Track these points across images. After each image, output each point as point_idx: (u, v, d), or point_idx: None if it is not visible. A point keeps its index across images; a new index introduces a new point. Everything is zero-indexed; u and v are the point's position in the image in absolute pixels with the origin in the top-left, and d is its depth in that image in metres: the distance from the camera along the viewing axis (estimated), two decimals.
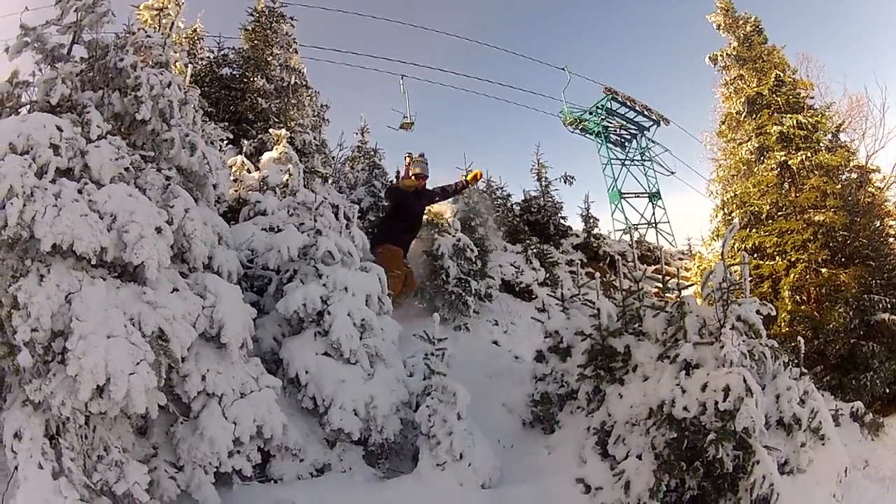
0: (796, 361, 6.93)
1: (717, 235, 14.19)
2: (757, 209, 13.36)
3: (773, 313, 6.40)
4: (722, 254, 6.26)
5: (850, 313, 11.44)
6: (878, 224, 13.72)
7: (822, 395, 10.78)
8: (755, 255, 12.95)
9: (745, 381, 5.34)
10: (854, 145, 16.47)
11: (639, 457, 5.69)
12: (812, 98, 15.42)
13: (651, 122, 32.71)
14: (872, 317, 11.56)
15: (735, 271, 6.20)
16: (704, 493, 5.53)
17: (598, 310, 6.83)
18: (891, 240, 14.25)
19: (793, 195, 13.29)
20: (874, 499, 7.33)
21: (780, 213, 13.28)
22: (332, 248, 6.98)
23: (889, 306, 11.78)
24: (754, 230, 13.27)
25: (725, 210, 14.02)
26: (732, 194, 14.04)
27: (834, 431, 6.46)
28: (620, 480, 5.66)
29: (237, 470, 5.40)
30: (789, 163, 13.39)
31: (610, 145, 32.82)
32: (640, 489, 5.51)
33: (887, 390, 11.32)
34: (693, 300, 6.31)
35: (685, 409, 5.49)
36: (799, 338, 7.55)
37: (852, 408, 10.13)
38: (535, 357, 7.79)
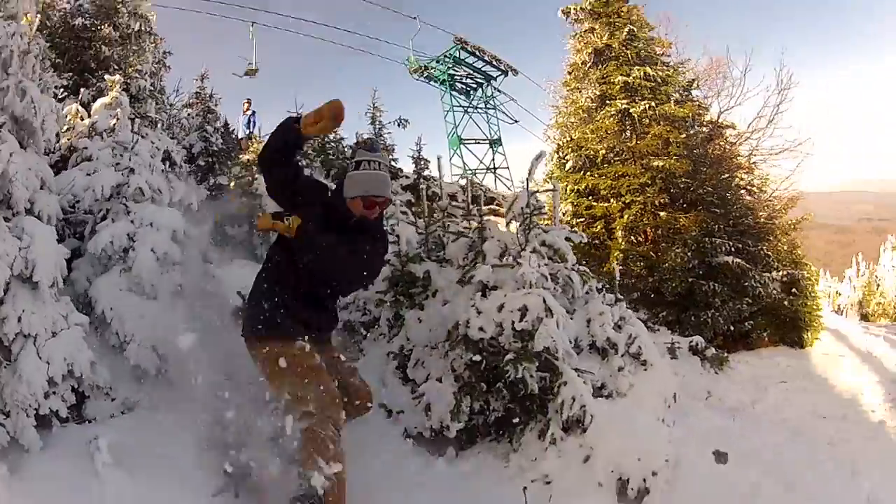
0: (610, 288, 7.01)
1: (550, 178, 14.49)
2: (593, 153, 13.76)
3: (584, 240, 6.50)
4: (526, 180, 6.26)
5: (689, 254, 11.92)
6: (726, 175, 14.20)
7: (658, 330, 11.23)
8: (590, 197, 13.31)
9: (544, 301, 5.35)
10: (708, 102, 17.08)
11: (439, 379, 5.65)
12: (669, 56, 15.94)
13: (499, 73, 33.73)
14: (714, 259, 12.07)
15: (547, 200, 6.23)
16: (511, 414, 5.54)
17: (398, 237, 6.78)
18: (742, 191, 14.96)
19: (633, 142, 13.64)
20: (720, 427, 7.52)
21: (617, 158, 13.75)
22: (143, 184, 6.71)
23: (732, 250, 12.33)
24: (588, 173, 13.74)
25: (560, 154, 14.44)
26: (569, 139, 14.34)
27: (658, 358, 6.63)
28: (421, 404, 5.62)
29: (54, 411, 5.12)
30: (631, 111, 13.80)
31: (454, 93, 33.63)
32: (442, 412, 5.47)
33: (731, 328, 11.91)
34: (495, 226, 6.32)
35: (481, 329, 5.46)
36: (615, 265, 7.76)
37: (691, 342, 10.53)
38: None
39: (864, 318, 49.56)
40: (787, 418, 8.83)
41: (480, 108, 34.42)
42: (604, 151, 13.84)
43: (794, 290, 13.78)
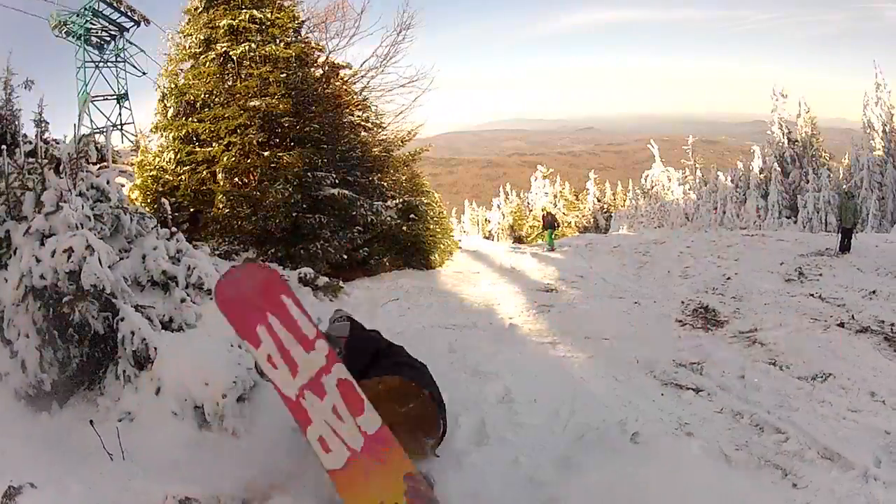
0: (164, 222, 7.02)
1: (156, 129, 14.43)
2: (193, 98, 13.59)
3: (134, 181, 6.46)
4: (75, 125, 6.16)
5: (291, 189, 12.10)
6: (334, 113, 14.64)
7: (273, 265, 11.48)
8: (193, 143, 13.22)
9: (87, 241, 5.30)
10: (326, 43, 17.28)
11: (27, 335, 5.42)
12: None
13: (132, 23, 32.53)
14: (320, 192, 12.38)
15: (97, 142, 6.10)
16: (90, 360, 5.53)
17: None
18: (358, 128, 15.54)
19: (233, 84, 13.63)
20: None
21: (217, 102, 13.60)
22: None
23: (338, 182, 12.82)
24: (190, 119, 13.49)
25: (165, 102, 14.06)
26: (174, 86, 14.07)
27: None
28: (17, 362, 5.40)
29: None
30: (231, 54, 13.64)
31: (89, 48, 31.96)
32: (33, 367, 5.32)
33: (345, 257, 12.36)
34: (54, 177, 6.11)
35: (42, 277, 5.33)
36: (163, 200, 7.76)
37: (300, 274, 10.76)
38: None
39: (519, 240, 53.99)
40: (402, 332, 9.12)
41: (111, 62, 33.09)
42: (204, 96, 13.69)
43: (412, 215, 14.57)
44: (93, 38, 32.35)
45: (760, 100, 79.46)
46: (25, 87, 14.63)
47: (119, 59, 33.01)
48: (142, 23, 32.33)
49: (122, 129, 31.69)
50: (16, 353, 5.45)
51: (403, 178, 16.52)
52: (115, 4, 31.49)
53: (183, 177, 13.37)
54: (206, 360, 5.62)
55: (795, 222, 43.74)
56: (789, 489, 4.86)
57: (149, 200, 12.99)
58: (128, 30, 32.82)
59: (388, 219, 13.77)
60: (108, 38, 32.95)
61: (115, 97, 32.66)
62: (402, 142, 17.00)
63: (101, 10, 31.54)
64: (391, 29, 17.57)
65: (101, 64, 32.78)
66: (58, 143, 6.47)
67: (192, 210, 13.25)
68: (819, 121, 49.92)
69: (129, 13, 32.01)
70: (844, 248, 16.44)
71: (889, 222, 39.01)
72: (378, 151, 16.02)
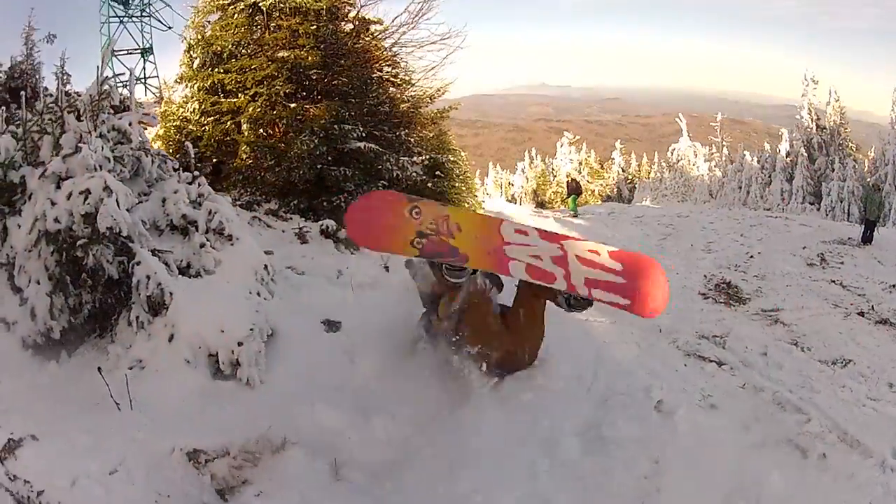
0: (188, 166, 6.89)
1: (180, 80, 14.26)
2: (220, 49, 13.40)
3: (157, 124, 6.36)
4: (98, 67, 6.00)
5: (317, 141, 11.94)
6: (363, 68, 14.44)
7: (291, 218, 11.41)
8: (218, 94, 13.08)
9: (105, 182, 5.16)
10: None
11: (38, 282, 5.31)
12: None
13: None
14: (346, 145, 12.23)
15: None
16: (103, 306, 5.41)
17: None
18: (386, 83, 15.35)
19: (262, 35, 13.45)
20: (340, 300, 7.79)
21: (245, 53, 13.46)
22: None
23: (364, 136, 12.67)
24: (216, 69, 13.32)
25: (191, 53, 13.88)
26: (200, 37, 13.90)
27: (245, 232, 6.65)
28: (27, 309, 5.26)
29: None
30: (260, 4, 13.40)
31: (113, 2, 31.84)
32: (43, 314, 5.18)
33: None
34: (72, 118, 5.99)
35: (56, 220, 5.16)
36: (187, 143, 7.66)
37: (322, 226, 10.66)
38: None
39: (541, 205, 53.94)
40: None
41: (136, 17, 32.76)
42: (231, 47, 13.48)
43: (438, 172, 14.44)
44: None
45: (791, 84, 78.61)
46: (47, 42, 14.55)
47: (144, 13, 32.72)
48: None
49: (145, 83, 31.51)
50: (25, 301, 5.31)
51: (430, 135, 16.36)
52: None
53: (207, 127, 13.18)
54: (222, 307, 5.51)
55: (818, 209, 43.41)
56: (810, 471, 4.79)
57: (171, 150, 12.79)
58: None
59: (414, 174, 13.61)
60: None
61: (139, 51, 32.53)
62: (430, 99, 16.75)
63: None
64: None
65: (125, 19, 32.56)
66: (79, 95, 6.33)
67: (214, 160, 13.14)
68: (847, 112, 49.51)
69: None
70: (867, 239, 16.29)
71: None
72: (406, 107, 15.80)
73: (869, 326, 8.87)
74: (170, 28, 31.68)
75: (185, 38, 14.60)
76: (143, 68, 32.09)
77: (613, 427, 5.00)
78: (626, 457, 4.63)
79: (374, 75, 15.00)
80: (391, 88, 15.68)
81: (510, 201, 53.85)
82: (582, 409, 5.40)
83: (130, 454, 3.98)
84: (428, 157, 14.65)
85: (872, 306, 9.79)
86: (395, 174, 12.96)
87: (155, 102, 18.91)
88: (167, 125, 13.59)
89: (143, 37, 32.49)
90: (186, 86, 14.00)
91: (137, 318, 5.26)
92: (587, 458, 4.66)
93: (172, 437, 4.22)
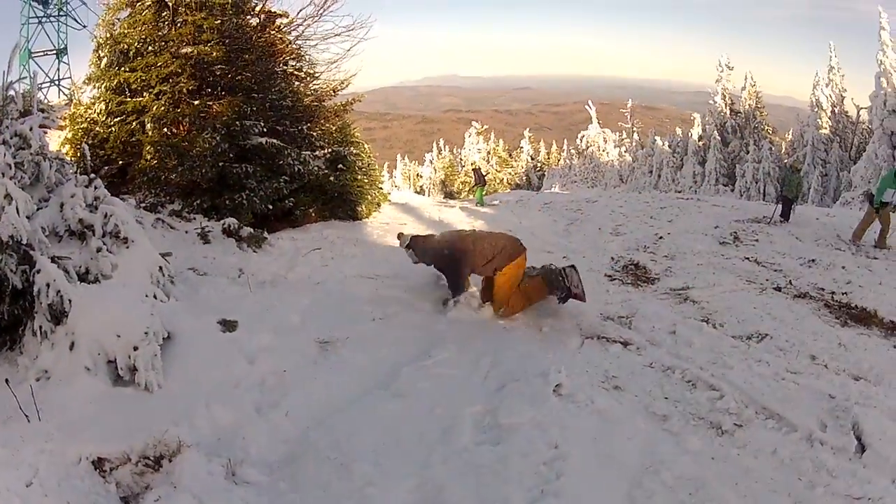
0: (84, 169, 6.77)
1: (89, 80, 13.79)
2: (127, 46, 13.02)
3: (57, 126, 6.23)
4: (3, 73, 5.82)
5: (219, 138, 11.79)
6: (267, 62, 14.26)
7: (195, 218, 11.24)
8: (124, 93, 12.77)
9: (6, 189, 5.06)
10: None
11: None
12: None
13: None
14: (248, 141, 12.08)
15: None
16: (13, 318, 5.28)
17: None
18: (291, 77, 15.19)
19: (167, 31, 13.14)
20: (236, 298, 7.88)
21: (150, 50, 13.08)
22: None
23: (265, 131, 12.54)
24: (122, 68, 12.95)
25: (100, 52, 13.46)
26: (108, 35, 13.48)
27: (141, 234, 6.62)
28: None
29: None
30: (166, 0, 13.14)
31: (34, 3, 30.72)
32: None
33: (270, 207, 12.12)
34: None
35: None
36: (84, 145, 7.52)
37: (224, 224, 10.61)
38: None
39: (449, 195, 54.29)
40: (323, 281, 9.40)
41: (54, 17, 32.22)
42: (138, 44, 13.10)
43: (340, 165, 14.33)
44: None
45: (706, 70, 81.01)
46: None
47: (62, 12, 32.21)
48: None
49: (59, 84, 30.72)
50: None
51: (334, 128, 16.19)
52: None
53: (113, 128, 12.88)
54: (119, 311, 5.47)
55: (732, 190, 44.95)
56: (727, 448, 4.84)
57: (79, 154, 12.31)
58: None
59: (316, 168, 13.49)
60: None
61: (54, 52, 31.78)
62: (334, 91, 16.65)
63: None
64: None
65: (44, 19, 31.96)
66: None
67: (121, 162, 12.78)
68: (766, 97, 51.59)
69: None
70: (785, 215, 16.61)
71: (831, 199, 40.32)
72: (309, 101, 15.70)
73: (787, 301, 8.94)
74: (84, 27, 31.33)
75: (96, 37, 14.21)
76: (59, 69, 31.39)
77: (510, 413, 5.12)
78: (523, 443, 4.72)
79: (279, 69, 14.90)
80: (295, 82, 15.58)
81: (418, 193, 54.07)
82: (479, 396, 5.53)
83: (42, 465, 3.98)
84: (330, 150, 14.54)
85: (790, 281, 9.97)
86: (296, 169, 12.85)
87: (65, 105, 18.35)
88: (75, 128, 13.24)
89: (59, 37, 32.14)
90: (94, 86, 13.64)
91: (41, 327, 5.17)
92: (482, 446, 4.76)
93: (78, 447, 4.23)
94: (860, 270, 11.02)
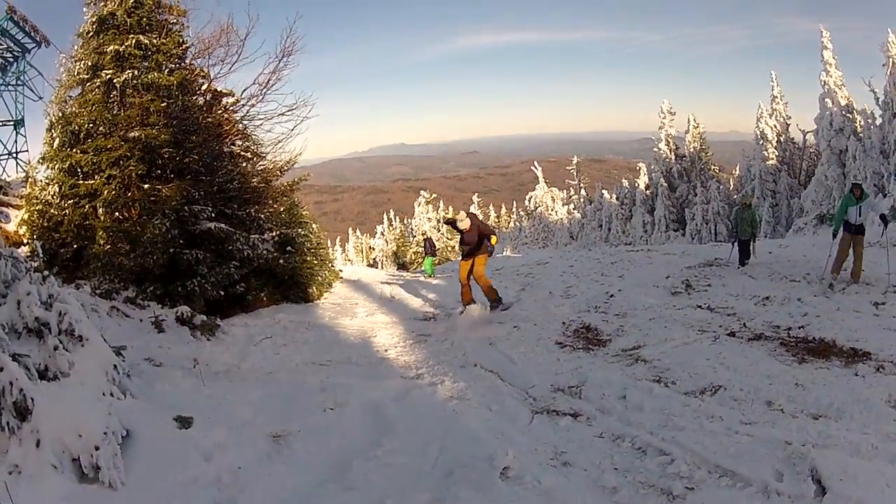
0: (38, 267, 6.95)
1: (43, 160, 13.97)
2: (77, 128, 13.23)
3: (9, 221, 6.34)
4: None
5: (168, 224, 11.99)
6: (214, 143, 14.49)
7: (148, 305, 11.30)
8: (77, 176, 12.90)
9: None
10: (211, 70, 16.84)
11: None
12: (178, 24, 15.31)
13: (34, 44, 31.61)
14: (197, 226, 12.26)
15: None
16: None
17: None
18: (238, 158, 15.37)
19: (116, 113, 13.38)
20: (191, 392, 7.86)
21: (100, 132, 13.30)
22: None
23: (213, 216, 12.72)
24: (74, 150, 13.14)
25: (53, 132, 13.67)
26: (61, 114, 13.69)
27: (94, 331, 6.73)
28: None
29: None
30: (115, 81, 13.44)
31: None
32: None
33: (222, 293, 12.27)
34: None
35: None
36: (36, 241, 7.63)
37: (177, 312, 10.73)
38: None
39: (403, 266, 54.29)
40: (276, 371, 9.49)
41: (11, 85, 32.19)
42: (88, 125, 13.31)
43: (289, 248, 14.65)
44: None
45: (650, 117, 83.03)
46: None
47: (19, 82, 32.10)
48: (42, 44, 31.48)
49: (16, 157, 30.52)
50: None
51: (282, 209, 16.37)
52: (21, 24, 30.50)
53: (67, 211, 12.98)
54: (78, 410, 5.67)
55: (683, 235, 45.83)
56: None
57: (35, 236, 12.65)
58: (30, 51, 31.87)
59: (265, 252, 13.72)
60: (11, 60, 31.89)
61: (12, 122, 31.85)
62: (280, 171, 16.82)
63: (8, 28, 30.51)
64: (273, 55, 17.27)
65: (1, 87, 31.82)
66: None
67: (76, 246, 12.83)
68: (711, 134, 53.24)
69: (32, 33, 31.11)
70: (742, 260, 16.54)
71: (784, 227, 41.33)
72: (256, 182, 15.88)
73: (741, 346, 9.11)
74: (40, 98, 31.28)
75: (49, 115, 14.36)
76: (16, 141, 31.36)
77: (457, 501, 5.21)
78: None
79: (226, 150, 15.20)
80: (242, 163, 15.73)
81: (371, 265, 54.13)
82: (428, 484, 5.62)
83: None
84: (279, 232, 14.81)
85: (744, 323, 10.23)
86: (246, 253, 13.07)
87: (22, 182, 18.30)
88: (31, 209, 13.37)
89: (16, 107, 32.01)
90: (48, 166, 13.79)
91: (8, 423, 5.30)
92: None
93: None
94: (817, 300, 11.45)
